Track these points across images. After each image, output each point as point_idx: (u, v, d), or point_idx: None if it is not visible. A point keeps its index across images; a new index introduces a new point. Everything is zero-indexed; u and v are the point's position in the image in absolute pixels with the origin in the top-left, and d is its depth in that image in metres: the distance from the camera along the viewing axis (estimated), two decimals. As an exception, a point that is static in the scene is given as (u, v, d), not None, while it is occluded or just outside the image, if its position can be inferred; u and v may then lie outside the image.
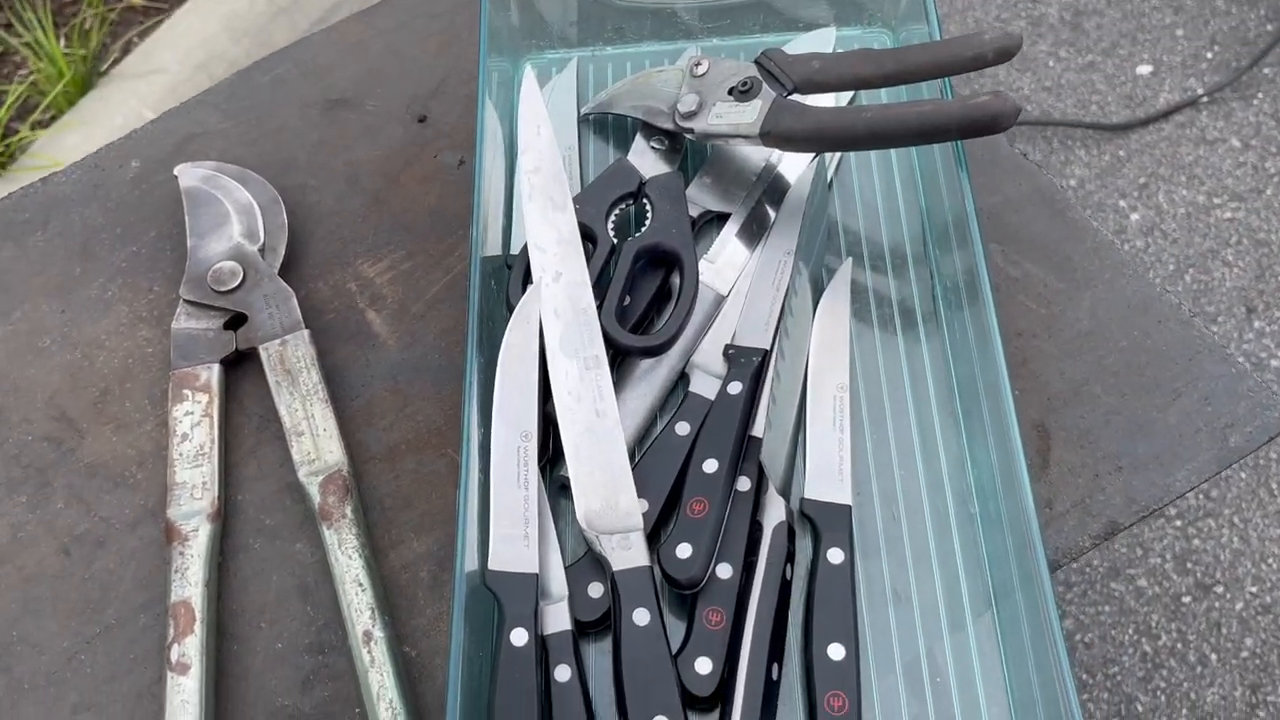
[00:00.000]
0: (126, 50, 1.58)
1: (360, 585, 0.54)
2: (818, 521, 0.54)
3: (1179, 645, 1.27)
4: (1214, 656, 1.27)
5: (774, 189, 0.65)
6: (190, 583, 0.54)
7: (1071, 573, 1.30)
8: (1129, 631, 1.28)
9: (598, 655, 0.53)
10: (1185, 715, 1.23)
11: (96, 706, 0.54)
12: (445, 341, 0.63)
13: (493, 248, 0.61)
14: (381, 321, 0.64)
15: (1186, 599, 1.30)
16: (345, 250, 0.67)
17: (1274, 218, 1.54)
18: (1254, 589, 1.30)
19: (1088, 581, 1.31)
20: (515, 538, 0.53)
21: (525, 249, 0.60)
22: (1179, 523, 1.35)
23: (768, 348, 0.59)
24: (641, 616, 0.51)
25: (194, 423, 0.59)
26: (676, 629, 0.53)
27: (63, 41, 1.55)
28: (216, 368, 0.61)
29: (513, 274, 0.59)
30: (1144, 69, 1.68)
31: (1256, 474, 1.37)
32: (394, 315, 0.64)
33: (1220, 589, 1.30)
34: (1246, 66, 1.65)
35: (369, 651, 0.52)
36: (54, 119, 1.50)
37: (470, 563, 0.51)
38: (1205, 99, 1.65)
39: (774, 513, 0.54)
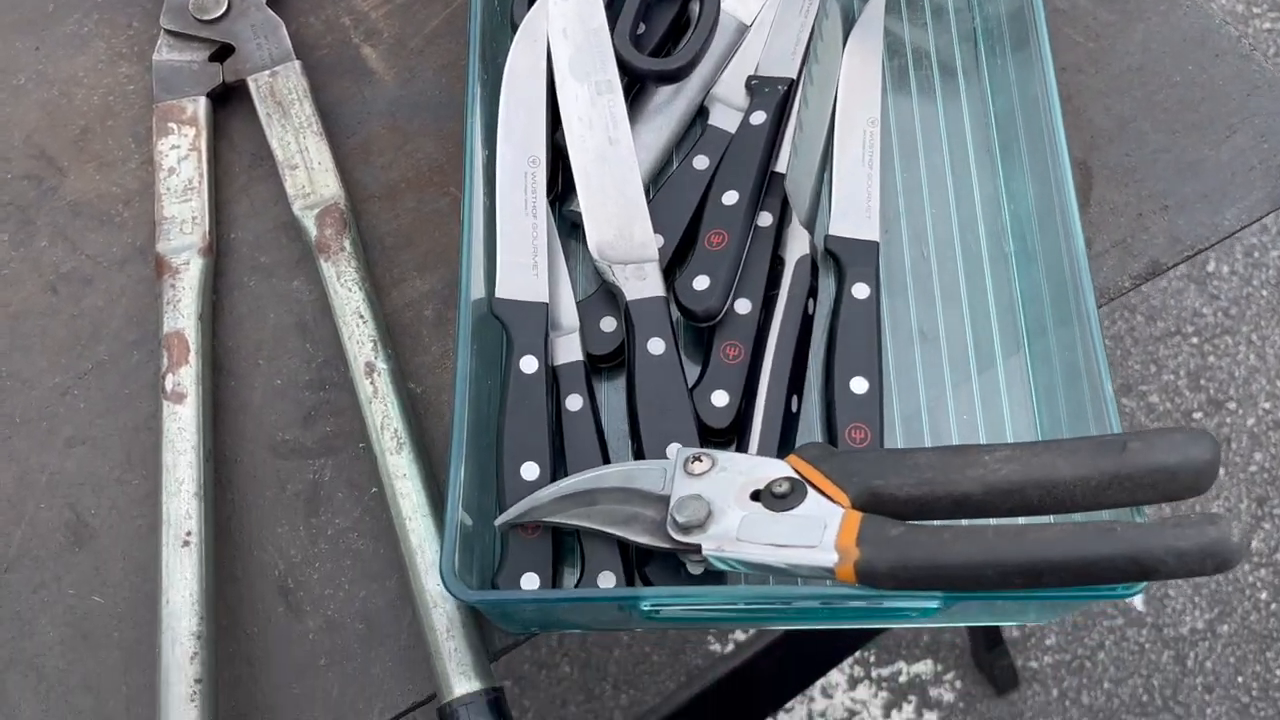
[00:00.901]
0: None
1: (361, 317, 0.51)
2: (843, 258, 0.51)
3: (1187, 459, 1.27)
4: (1221, 471, 1.26)
5: (803, -86, 0.59)
6: (183, 314, 0.52)
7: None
8: (1138, 445, 1.27)
9: (609, 392, 0.51)
10: (1190, 525, 1.23)
11: (92, 440, 0.52)
12: (446, 77, 0.59)
13: (496, -28, 0.56)
14: (378, 57, 0.60)
15: (1198, 415, 1.29)
16: (337, -17, 0.62)
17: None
18: (1267, 405, 1.29)
19: (1099, 397, 1.30)
20: (524, 266, 0.50)
21: (532, -32, 0.55)
22: (1195, 340, 1.32)
23: (794, 77, 0.55)
24: (656, 346, 0.48)
25: (181, 156, 0.56)
26: (692, 367, 0.50)
27: None
28: (203, 101, 0.57)
29: (518, -7, 0.55)
30: None
31: (1278, 292, 1.34)
32: (391, 50, 0.60)
33: (1233, 405, 1.29)
34: None
35: (371, 383, 0.50)
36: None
37: (477, 290, 0.48)
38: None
39: (797, 246, 0.51)
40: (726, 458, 0.44)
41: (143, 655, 0.48)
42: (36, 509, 0.51)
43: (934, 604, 0.41)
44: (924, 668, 1.23)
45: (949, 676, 1.22)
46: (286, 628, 0.49)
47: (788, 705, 1.19)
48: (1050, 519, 0.41)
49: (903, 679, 1.22)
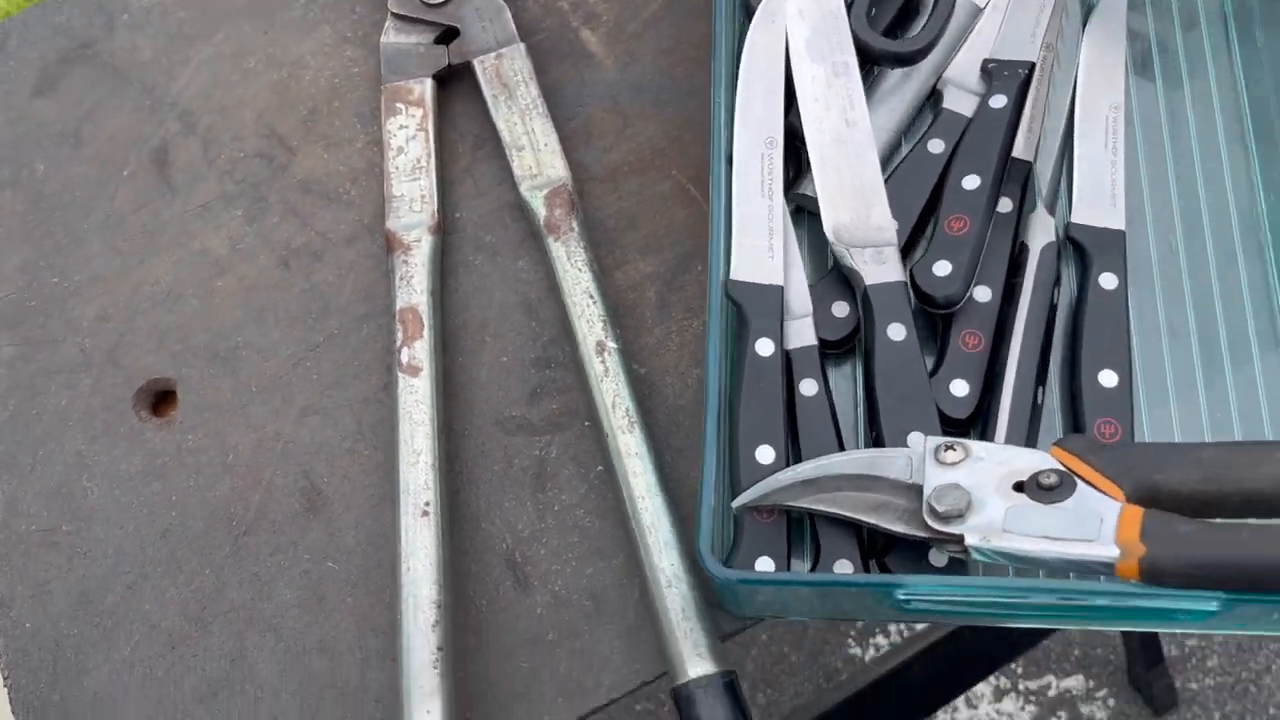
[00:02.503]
0: None
1: (591, 297, 0.52)
2: (1088, 246, 0.50)
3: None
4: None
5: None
6: (416, 290, 0.53)
7: None
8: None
9: (836, 378, 0.50)
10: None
11: (324, 410, 0.53)
12: (666, 61, 0.59)
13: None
14: (597, 40, 0.60)
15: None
16: (555, -32, 0.62)
17: None
18: None
19: None
20: (759, 249, 0.49)
21: (762, -50, 0.54)
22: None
23: (1034, 61, 0.53)
24: (897, 332, 0.47)
25: (409, 136, 0.57)
26: (927, 355, 0.49)
27: None
28: (429, 82, 0.58)
29: (750, -24, 0.54)
30: None
31: None
32: (610, 34, 0.60)
33: None
34: None
35: (602, 361, 0.50)
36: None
37: (723, 270, 0.48)
38: None
39: (1042, 233, 0.50)
40: (981, 447, 0.42)
41: (375, 621, 0.49)
42: (273, 475, 0.52)
43: (1212, 606, 0.39)
44: (1075, 683, 1.19)
45: (1101, 693, 1.18)
46: (514, 601, 0.49)
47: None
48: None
49: (1052, 693, 1.18)
